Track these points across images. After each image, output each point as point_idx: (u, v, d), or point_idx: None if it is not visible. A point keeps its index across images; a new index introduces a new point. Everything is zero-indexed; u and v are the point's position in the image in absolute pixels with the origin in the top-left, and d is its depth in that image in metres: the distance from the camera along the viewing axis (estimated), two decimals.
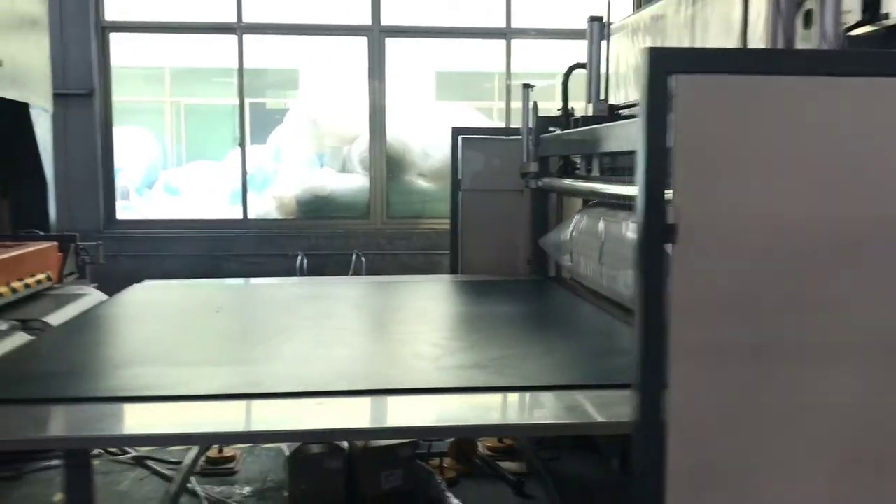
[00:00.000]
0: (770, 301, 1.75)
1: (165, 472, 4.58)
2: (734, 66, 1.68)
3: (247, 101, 13.39)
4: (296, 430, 2.35)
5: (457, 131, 5.41)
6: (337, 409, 2.28)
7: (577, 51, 7.89)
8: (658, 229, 1.74)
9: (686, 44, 3.81)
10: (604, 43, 4.54)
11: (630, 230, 3.10)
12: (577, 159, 4.83)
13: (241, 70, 6.80)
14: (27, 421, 2.18)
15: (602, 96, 4.52)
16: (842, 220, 1.76)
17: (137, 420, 2.26)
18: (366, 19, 6.91)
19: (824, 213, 1.75)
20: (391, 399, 2.42)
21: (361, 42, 7.08)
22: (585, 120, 4.30)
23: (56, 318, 3.62)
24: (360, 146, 7.22)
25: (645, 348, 1.80)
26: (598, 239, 3.61)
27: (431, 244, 6.86)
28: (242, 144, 6.81)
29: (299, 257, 6.67)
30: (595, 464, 4.23)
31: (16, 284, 3.80)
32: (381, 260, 6.77)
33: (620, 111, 4.40)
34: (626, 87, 4.64)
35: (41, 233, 4.67)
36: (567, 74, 4.86)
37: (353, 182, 7.09)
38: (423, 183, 7.17)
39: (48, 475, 4.47)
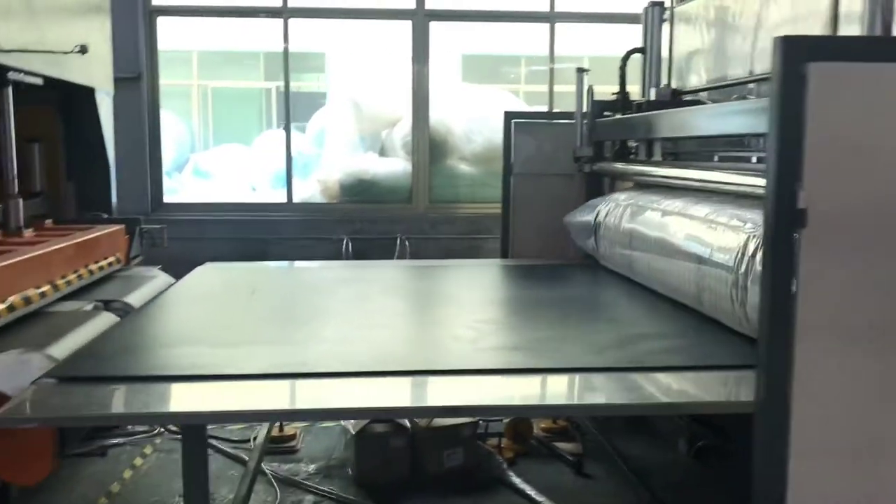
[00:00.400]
0: None
1: (228, 450, 4.68)
2: (871, 54, 1.72)
3: (274, 84, 13.50)
4: (388, 407, 2.47)
5: (509, 115, 5.45)
6: (406, 388, 2.42)
7: (610, 35, 7.93)
8: (788, 215, 1.79)
9: (755, 31, 3.84)
10: (665, 28, 4.56)
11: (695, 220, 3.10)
12: (633, 144, 4.88)
13: (286, 54, 6.83)
14: (156, 396, 2.27)
15: (664, 81, 4.55)
16: None
17: (242, 397, 2.35)
18: (409, 3, 6.93)
19: None
20: (480, 378, 2.49)
21: (392, 25, 7.12)
22: (649, 105, 4.34)
23: (135, 299, 3.69)
24: (402, 130, 7.26)
25: (770, 329, 1.85)
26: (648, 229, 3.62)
27: (474, 229, 6.91)
28: (287, 128, 6.86)
29: (345, 241, 6.73)
30: (651, 446, 4.25)
31: (92, 267, 3.88)
32: (425, 244, 6.83)
33: (684, 97, 4.43)
34: (686, 74, 4.66)
35: (105, 216, 4.75)
36: (625, 59, 4.89)
37: (396, 166, 7.14)
38: (464, 167, 7.21)
39: (114, 452, 4.59)
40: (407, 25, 6.91)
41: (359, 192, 7.12)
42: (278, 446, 4.70)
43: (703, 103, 4.21)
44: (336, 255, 6.69)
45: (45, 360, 2.61)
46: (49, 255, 3.37)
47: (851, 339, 1.82)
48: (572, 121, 5.16)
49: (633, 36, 7.44)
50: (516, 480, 4.28)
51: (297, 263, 5.48)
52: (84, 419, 2.32)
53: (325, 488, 4.17)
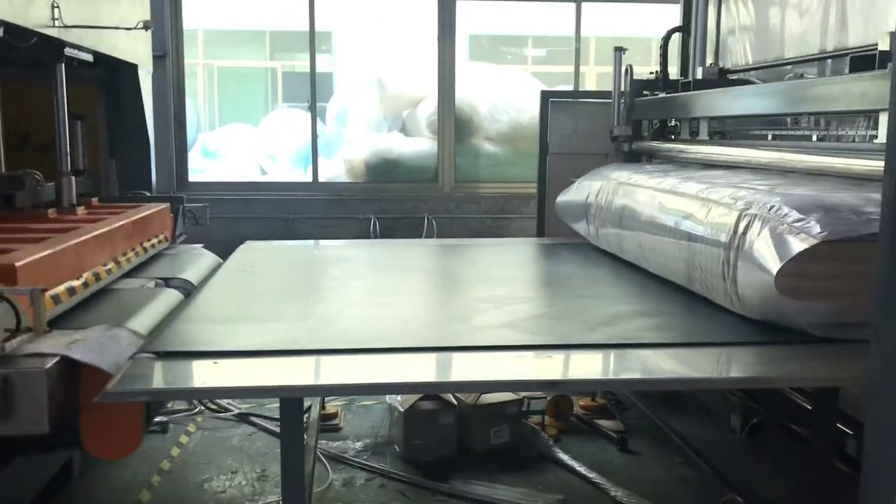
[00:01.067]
0: None
1: (270, 427, 4.71)
2: None
3: (280, 64, 13.42)
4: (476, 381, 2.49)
5: (546, 95, 5.46)
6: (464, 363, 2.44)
7: (620, 14, 7.92)
8: None
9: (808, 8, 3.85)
10: (711, 7, 4.56)
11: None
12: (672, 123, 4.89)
13: (312, 34, 6.79)
14: (251, 371, 2.29)
15: (709, 60, 4.56)
16: None
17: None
18: None
19: None
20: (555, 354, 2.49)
21: (411, 4, 7.06)
22: (697, 84, 4.35)
23: (192, 277, 3.70)
24: (427, 109, 7.25)
25: (886, 304, 1.88)
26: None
27: (499, 208, 6.93)
28: (313, 108, 6.83)
29: (372, 220, 6.74)
30: (699, 424, 4.27)
31: (146, 244, 3.88)
32: (451, 223, 6.84)
33: (730, 76, 4.44)
34: (732, 53, 4.67)
35: (147, 193, 4.74)
36: (666, 38, 4.90)
37: (421, 146, 7.13)
38: (490, 147, 7.21)
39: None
40: (431, 3, 6.88)
41: (384, 171, 7.12)
42: (322, 424, 4.72)
43: (752, 83, 4.22)
44: (363, 234, 6.70)
45: (131, 335, 2.62)
46: (112, 233, 3.37)
47: None
48: (608, 100, 5.18)
49: (650, 16, 7.48)
50: (564, 457, 4.32)
51: (335, 242, 5.49)
52: (196, 392, 2.35)
53: (375, 465, 4.20)
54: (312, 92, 6.83)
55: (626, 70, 5.07)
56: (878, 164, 2.82)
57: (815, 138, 3.52)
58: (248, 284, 3.62)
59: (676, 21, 5.31)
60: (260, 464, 4.25)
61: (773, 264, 2.40)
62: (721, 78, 4.41)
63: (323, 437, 4.54)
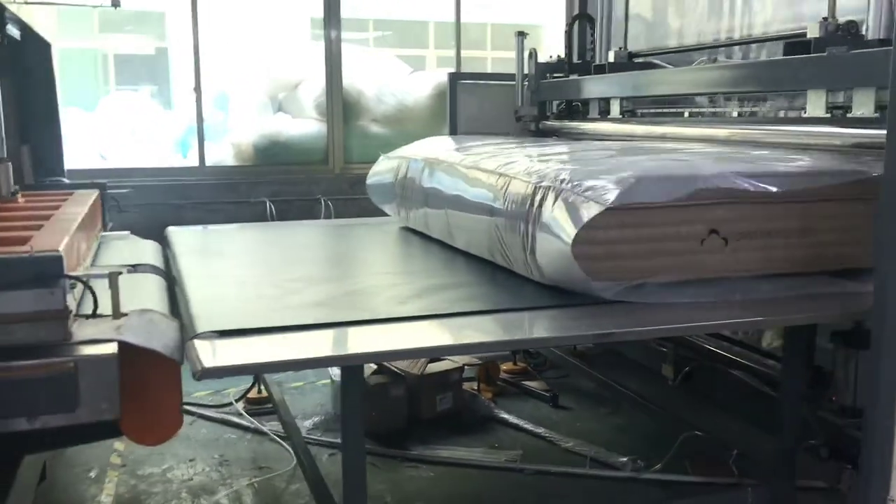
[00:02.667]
0: None
1: (209, 413, 4.66)
2: None
3: (112, 44, 12.67)
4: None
5: (454, 76, 5.69)
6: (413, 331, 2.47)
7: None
8: None
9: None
10: None
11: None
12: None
13: (195, 13, 6.57)
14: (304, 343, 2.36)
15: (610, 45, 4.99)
16: None
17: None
18: None
19: None
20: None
21: None
22: (612, 67, 4.74)
23: (157, 262, 3.61)
24: (310, 91, 7.24)
25: (886, 243, 2.29)
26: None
27: None
28: (198, 90, 6.62)
29: (267, 203, 6.67)
30: (632, 376, 4.60)
31: (95, 232, 3.73)
32: (344, 205, 6.89)
33: (636, 59, 4.87)
34: (638, 38, 5.11)
35: (65, 181, 4.49)
36: (571, 25, 5.26)
37: (310, 127, 7.11)
38: (376, 128, 7.31)
39: None
40: None
41: (273, 154, 7.04)
42: (261, 407, 4.72)
43: (659, 66, 4.67)
44: (257, 218, 6.62)
45: (165, 318, 2.59)
46: (84, 221, 3.23)
47: None
48: (513, 82, 5.51)
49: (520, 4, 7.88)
50: (507, 416, 4.62)
51: (270, 224, 5.44)
52: (276, 365, 2.37)
53: (335, 440, 4.28)
54: (197, 75, 6.63)
55: (531, 53, 5.41)
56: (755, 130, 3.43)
57: (735, 114, 3.99)
58: (228, 267, 3.58)
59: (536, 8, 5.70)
60: (215, 450, 4.22)
61: (566, 233, 2.52)
62: (629, 61, 4.83)
63: (267, 420, 4.56)
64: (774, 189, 2.65)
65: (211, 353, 2.21)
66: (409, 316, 2.56)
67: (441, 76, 7.34)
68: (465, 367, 4.85)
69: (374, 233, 4.43)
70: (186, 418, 4.61)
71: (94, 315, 2.22)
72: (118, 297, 2.24)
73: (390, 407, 4.45)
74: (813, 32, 3.31)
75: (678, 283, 2.66)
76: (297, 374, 5.15)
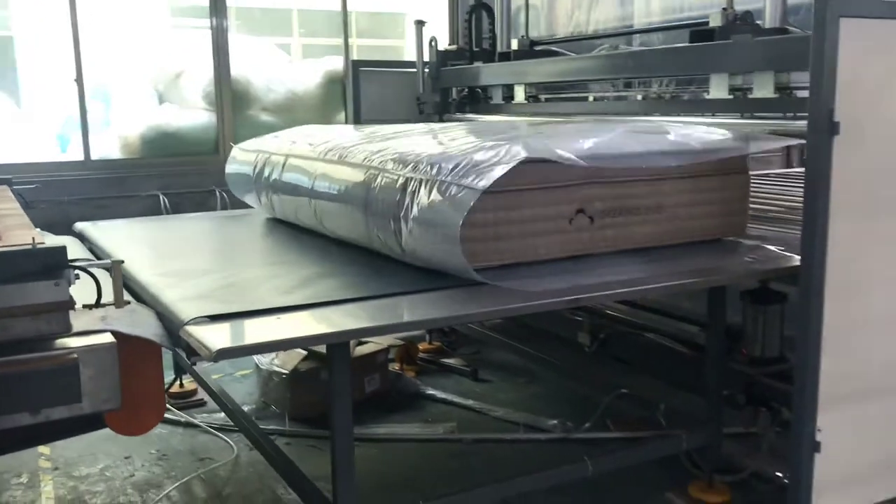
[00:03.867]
0: None
1: None
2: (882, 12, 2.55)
3: None
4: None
5: (357, 64, 5.77)
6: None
7: None
8: (828, 126, 2.56)
9: None
10: None
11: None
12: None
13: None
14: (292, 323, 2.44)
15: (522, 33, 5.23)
16: None
17: None
18: None
19: None
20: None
21: None
22: (516, 54, 4.98)
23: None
24: (195, 81, 7.08)
25: (812, 207, 2.63)
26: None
27: None
28: (80, 81, 6.33)
29: (160, 197, 6.50)
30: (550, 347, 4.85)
31: None
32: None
33: (537, 47, 5.13)
34: (537, 26, 5.37)
35: None
36: (470, 14, 5.46)
37: (198, 118, 6.96)
38: (266, 117, 7.25)
39: None
40: None
41: (161, 145, 6.85)
42: (187, 401, 4.67)
43: (559, 53, 4.95)
44: (150, 212, 6.43)
45: (144, 308, 2.59)
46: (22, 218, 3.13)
47: (881, 211, 2.68)
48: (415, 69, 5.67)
49: None
50: (434, 392, 4.79)
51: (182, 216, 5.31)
52: (284, 343, 2.42)
53: (274, 426, 4.31)
54: (78, 66, 6.34)
55: (431, 41, 5.58)
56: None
57: (639, 97, 4.33)
58: (169, 257, 3.54)
59: None
60: (149, 445, 4.15)
61: (446, 220, 2.61)
62: (531, 49, 5.09)
63: (197, 412, 4.53)
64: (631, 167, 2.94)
65: (216, 336, 2.25)
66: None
67: (330, 64, 7.40)
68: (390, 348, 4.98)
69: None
70: None
71: (98, 305, 2.21)
72: (120, 286, 2.24)
73: (322, 390, 4.48)
74: (715, 21, 3.66)
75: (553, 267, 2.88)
76: (216, 367, 5.10)
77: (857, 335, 2.82)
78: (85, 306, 2.27)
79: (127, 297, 2.59)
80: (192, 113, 7.03)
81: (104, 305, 2.28)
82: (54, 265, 2.08)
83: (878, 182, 2.73)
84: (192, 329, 2.32)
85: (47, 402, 2.11)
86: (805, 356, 2.74)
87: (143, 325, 2.46)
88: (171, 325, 2.43)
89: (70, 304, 2.12)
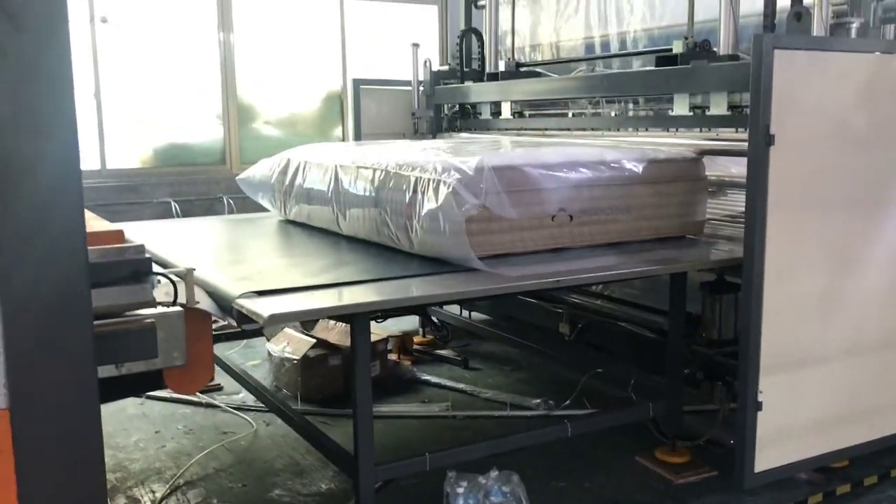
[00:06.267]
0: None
1: (160, 394, 5.01)
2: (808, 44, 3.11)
3: None
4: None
5: (358, 82, 6.29)
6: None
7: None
8: (765, 137, 3.12)
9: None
10: (507, 12, 5.78)
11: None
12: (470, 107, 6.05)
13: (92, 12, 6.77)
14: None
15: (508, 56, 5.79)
16: None
17: None
18: None
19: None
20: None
21: None
22: (503, 74, 5.53)
23: None
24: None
25: (753, 205, 3.18)
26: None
27: None
28: (98, 95, 6.83)
29: (172, 203, 6.99)
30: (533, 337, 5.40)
31: None
32: (244, 202, 7.30)
33: (522, 69, 5.69)
34: (522, 50, 5.92)
35: None
36: (461, 38, 6.01)
37: (206, 130, 7.46)
38: (270, 130, 7.76)
39: None
40: None
41: (172, 155, 7.34)
42: (207, 385, 5.13)
43: (543, 75, 5.51)
44: (163, 217, 6.91)
45: (198, 290, 3.09)
46: None
47: (810, 209, 3.23)
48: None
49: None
50: (430, 378, 5.30)
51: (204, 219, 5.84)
52: (314, 312, 2.93)
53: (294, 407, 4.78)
54: (96, 79, 6.83)
55: (426, 62, 6.12)
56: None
57: (613, 114, 4.88)
58: (209, 250, 4.04)
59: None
60: (176, 422, 4.62)
61: (454, 214, 3.18)
62: (517, 70, 5.65)
63: (216, 396, 5.00)
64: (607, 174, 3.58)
65: (264, 307, 2.75)
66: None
67: (329, 83, 7.94)
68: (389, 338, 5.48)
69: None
70: (136, 399, 4.96)
71: (175, 304, 2.71)
72: (192, 289, 2.74)
73: (329, 375, 5.00)
74: (678, 49, 4.22)
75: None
76: (230, 357, 5.58)
77: (791, 312, 3.37)
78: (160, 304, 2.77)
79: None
80: (200, 125, 7.54)
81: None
82: (143, 272, 2.58)
83: (808, 184, 3.29)
84: (243, 301, 2.84)
85: (131, 356, 2.60)
86: (748, 329, 3.29)
87: (200, 301, 2.97)
88: (221, 300, 2.95)
89: (153, 303, 2.62)
